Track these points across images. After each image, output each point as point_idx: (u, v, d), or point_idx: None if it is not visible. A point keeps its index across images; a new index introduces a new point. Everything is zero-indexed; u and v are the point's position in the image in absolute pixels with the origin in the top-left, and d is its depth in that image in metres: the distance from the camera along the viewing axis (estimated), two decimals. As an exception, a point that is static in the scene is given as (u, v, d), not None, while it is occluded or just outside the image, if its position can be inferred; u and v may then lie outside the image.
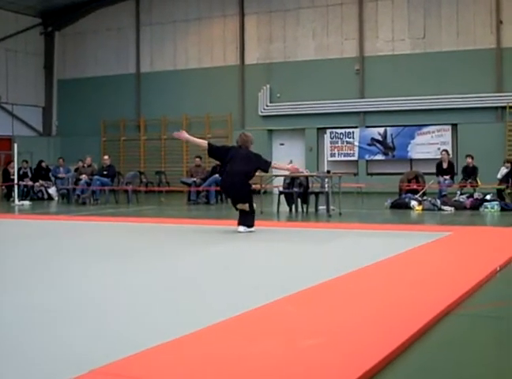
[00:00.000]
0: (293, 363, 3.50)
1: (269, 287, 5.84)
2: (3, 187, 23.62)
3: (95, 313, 4.90)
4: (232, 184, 10.84)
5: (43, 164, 23.59)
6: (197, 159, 20.63)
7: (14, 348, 3.92)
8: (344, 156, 25.02)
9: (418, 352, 3.86)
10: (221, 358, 3.60)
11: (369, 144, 24.70)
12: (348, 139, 24.92)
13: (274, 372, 3.38)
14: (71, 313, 4.95)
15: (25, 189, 22.42)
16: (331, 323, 4.43)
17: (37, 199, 22.28)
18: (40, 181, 22.82)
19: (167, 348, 3.82)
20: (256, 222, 11.02)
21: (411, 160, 24.38)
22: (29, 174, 23.17)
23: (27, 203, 20.01)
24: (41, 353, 3.84)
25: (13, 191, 20.91)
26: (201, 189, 19.36)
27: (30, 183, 22.64)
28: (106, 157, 21.06)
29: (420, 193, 16.92)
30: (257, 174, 11.73)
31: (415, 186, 17.71)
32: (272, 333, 4.13)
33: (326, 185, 15.06)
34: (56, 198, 22.08)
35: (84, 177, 20.29)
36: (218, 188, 19.02)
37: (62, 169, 23.54)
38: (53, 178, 23.18)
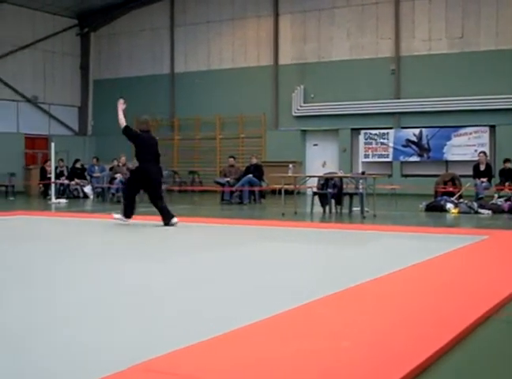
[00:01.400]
0: (336, 363, 3.49)
1: (305, 287, 5.83)
2: (40, 185, 23.88)
3: (139, 308, 4.96)
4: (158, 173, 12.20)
5: (78, 163, 23.82)
6: (231, 159, 20.66)
7: (56, 343, 3.96)
8: (378, 157, 24.87)
9: (455, 359, 3.82)
10: (263, 356, 3.60)
11: (404, 146, 24.53)
12: (382, 140, 24.77)
13: (318, 371, 3.37)
14: (115, 307, 5.02)
15: (62, 188, 22.66)
16: (366, 325, 4.40)
17: (73, 197, 22.51)
18: (76, 180, 23.06)
19: (209, 345, 3.84)
20: (289, 222, 11.08)
21: (446, 162, 24.16)
22: (65, 173, 23.41)
23: (63, 201, 20.23)
24: (83, 347, 3.88)
25: (50, 189, 21.14)
26: (234, 189, 19.38)
27: (66, 182, 22.88)
28: (141, 157, 21.13)
29: (457, 195, 16.73)
30: (290, 174, 11.82)
31: (451, 189, 17.54)
32: (312, 334, 4.12)
33: (361, 187, 14.98)
34: (91, 197, 22.28)
35: (118, 176, 20.46)
36: (252, 188, 19.11)
37: (96, 168, 23.74)
38: (88, 177, 23.39)
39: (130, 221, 12.02)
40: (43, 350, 3.85)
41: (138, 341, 4.06)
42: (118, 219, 12.07)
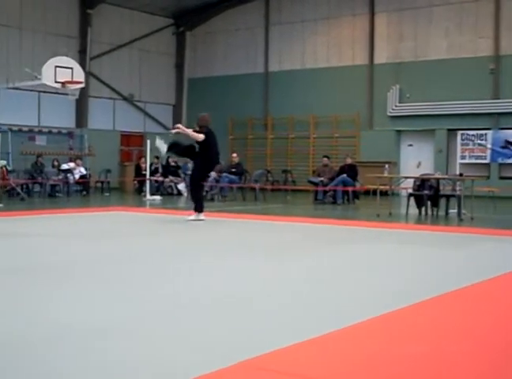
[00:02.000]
0: (441, 368, 3.39)
1: (405, 289, 5.75)
2: (135, 182, 24.34)
3: (244, 306, 4.97)
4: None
5: (171, 160, 24.16)
6: (325, 159, 20.57)
7: (160, 338, 4.00)
8: (476, 159, 24.26)
9: None
10: (369, 357, 3.56)
11: (502, 147, 23.86)
12: (479, 141, 24.16)
13: (423, 375, 3.29)
14: (220, 304, 5.05)
15: (156, 185, 23.03)
16: (473, 329, 4.27)
17: (167, 194, 22.86)
18: (170, 177, 23.40)
19: (312, 344, 3.81)
20: (384, 223, 10.97)
21: (548, 164, 23.40)
22: (160, 170, 23.77)
23: (157, 198, 20.55)
24: (189, 343, 3.91)
25: (145, 186, 21.50)
26: (327, 188, 19.28)
27: (160, 179, 23.24)
28: (234, 155, 21.34)
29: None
30: (386, 174, 11.74)
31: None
32: (417, 336, 4.04)
33: (458, 189, 14.65)
34: (185, 194, 22.55)
35: (212, 174, 20.60)
36: (345, 188, 18.96)
37: (190, 165, 23.97)
38: (183, 175, 23.69)
39: (202, 216, 12.25)
40: (162, 344, 3.89)
41: (246, 338, 4.06)
42: (193, 220, 12.27)
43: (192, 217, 12.23)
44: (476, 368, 3.47)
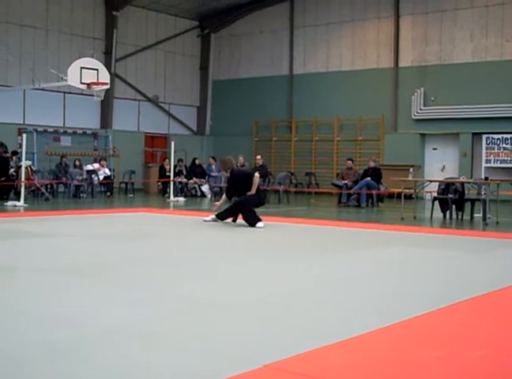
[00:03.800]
0: (468, 373, 3.37)
1: (430, 293, 5.73)
2: (159, 183, 24.42)
3: (269, 308, 4.99)
4: None
5: (197, 161, 24.22)
6: (349, 162, 20.52)
7: (183, 340, 4.01)
8: (501, 163, 24.07)
9: None
10: (393, 361, 3.55)
11: (528, 151, 23.68)
12: (505, 145, 23.97)
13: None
14: (245, 306, 5.08)
15: (180, 186, 23.09)
16: (502, 334, 4.24)
17: (190, 196, 22.91)
18: (194, 179, 23.46)
19: (338, 348, 3.80)
20: (408, 227, 10.92)
21: None
22: (184, 172, 23.84)
23: (181, 199, 20.61)
24: (215, 346, 3.92)
25: (168, 187, 21.57)
26: (352, 191, 19.23)
27: (184, 180, 23.30)
28: (258, 157, 21.36)
29: None
30: (410, 178, 11.67)
31: None
32: (444, 341, 4.02)
33: (483, 193, 14.55)
34: (209, 195, 22.59)
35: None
36: (369, 191, 18.90)
37: (214, 167, 24.07)
38: (206, 176, 23.76)
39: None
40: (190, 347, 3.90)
41: (271, 340, 4.06)
42: (209, 220, 12.55)
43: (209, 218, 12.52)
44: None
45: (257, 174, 12.66)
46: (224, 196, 13.10)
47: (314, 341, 3.94)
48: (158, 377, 3.34)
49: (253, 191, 12.19)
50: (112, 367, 3.47)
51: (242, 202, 12.12)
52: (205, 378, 3.33)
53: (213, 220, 12.46)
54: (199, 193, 23.31)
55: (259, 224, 11.79)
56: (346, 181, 19.57)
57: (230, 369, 3.39)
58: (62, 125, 25.65)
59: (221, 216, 12.54)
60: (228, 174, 12.73)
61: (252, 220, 11.92)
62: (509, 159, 23.92)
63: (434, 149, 25.98)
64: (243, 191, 12.29)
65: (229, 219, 12.48)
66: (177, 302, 5.19)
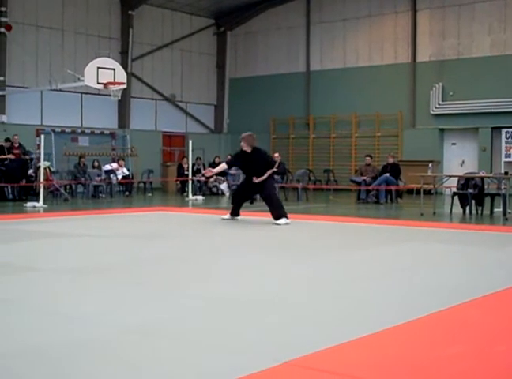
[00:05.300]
0: (489, 368, 3.33)
1: (450, 289, 5.70)
2: (177, 182, 24.45)
3: (289, 304, 4.95)
4: None
5: (217, 160, 24.23)
6: (368, 158, 20.45)
7: (209, 339, 3.99)
8: (520, 157, 23.91)
9: None
10: (416, 357, 3.54)
11: (548, 145, 23.47)
12: (525, 139, 23.78)
13: (471, 375, 3.23)
14: (265, 303, 5.09)
15: (198, 185, 23.11)
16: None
17: (209, 194, 22.93)
18: (214, 176, 23.46)
19: (358, 344, 3.78)
20: (428, 223, 10.86)
21: None
22: (202, 170, 23.83)
23: (200, 198, 20.62)
24: (236, 344, 3.92)
25: (187, 186, 21.59)
26: (371, 188, 19.15)
27: (203, 179, 23.31)
28: (276, 154, 21.25)
29: None
30: (429, 173, 11.59)
31: None
32: (465, 337, 3.98)
33: (503, 187, 14.43)
34: (227, 194, 22.59)
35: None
36: (388, 187, 18.82)
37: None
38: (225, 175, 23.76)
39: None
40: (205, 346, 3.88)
41: (292, 337, 4.04)
42: (227, 218, 12.53)
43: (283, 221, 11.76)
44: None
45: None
46: (223, 164, 13.06)
47: (335, 338, 3.91)
48: (181, 376, 3.33)
49: (265, 176, 12.04)
50: (133, 366, 3.46)
51: (270, 196, 12.04)
52: (227, 375, 3.32)
53: (231, 218, 12.40)
54: (220, 192, 23.31)
55: (281, 220, 11.60)
56: (365, 178, 19.51)
57: (252, 366, 3.38)
58: (79, 125, 25.74)
59: (234, 213, 12.47)
60: (249, 150, 12.21)
61: (280, 210, 11.82)
62: (529, 153, 23.72)
63: (453, 144, 25.82)
64: (254, 171, 12.11)
65: (241, 215, 12.43)
66: (196, 301, 5.18)
